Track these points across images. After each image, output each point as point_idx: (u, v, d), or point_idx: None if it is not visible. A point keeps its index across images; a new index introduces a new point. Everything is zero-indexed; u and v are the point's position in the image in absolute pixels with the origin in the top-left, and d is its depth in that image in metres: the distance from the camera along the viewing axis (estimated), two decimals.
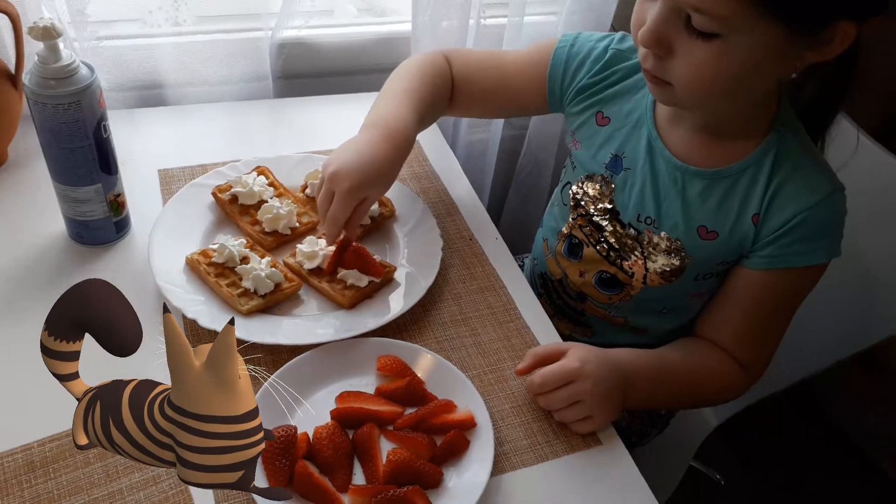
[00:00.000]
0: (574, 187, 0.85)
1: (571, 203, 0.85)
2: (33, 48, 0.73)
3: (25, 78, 0.71)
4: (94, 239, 0.82)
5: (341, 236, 0.79)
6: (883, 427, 1.56)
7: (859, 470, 1.57)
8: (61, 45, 0.70)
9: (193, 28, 1.09)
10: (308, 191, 0.90)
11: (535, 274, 0.95)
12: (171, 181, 0.93)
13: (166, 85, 1.06)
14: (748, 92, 0.69)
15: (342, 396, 0.69)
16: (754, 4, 0.59)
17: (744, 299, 0.77)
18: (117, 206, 0.81)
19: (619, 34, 0.85)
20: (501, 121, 1.23)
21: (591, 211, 0.83)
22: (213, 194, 0.87)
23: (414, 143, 0.82)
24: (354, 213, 0.76)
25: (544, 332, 0.80)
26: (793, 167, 0.73)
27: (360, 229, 0.86)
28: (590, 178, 0.83)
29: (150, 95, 1.07)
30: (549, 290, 0.93)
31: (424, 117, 0.85)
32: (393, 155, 0.77)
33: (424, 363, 0.73)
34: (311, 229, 0.87)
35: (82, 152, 0.74)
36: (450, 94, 0.90)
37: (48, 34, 0.68)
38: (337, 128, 1.05)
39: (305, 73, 1.15)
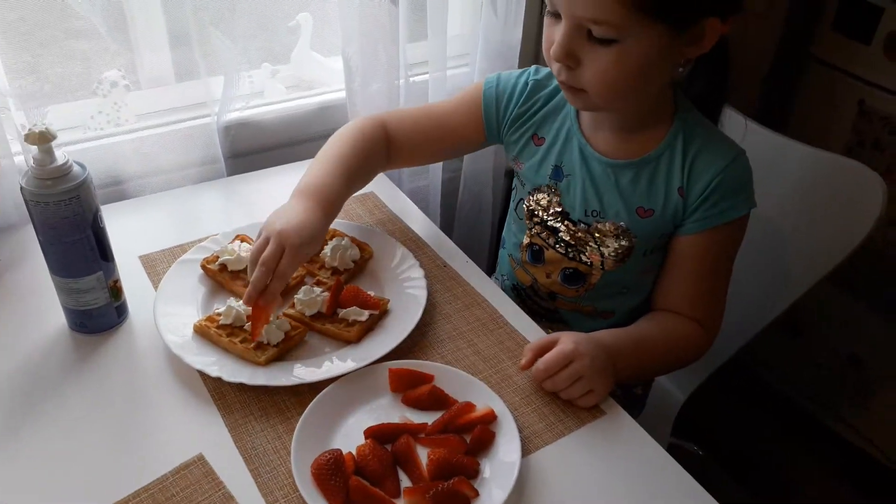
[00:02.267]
0: (526, 202, 0.96)
1: (526, 216, 0.96)
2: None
3: (21, 181, 0.76)
4: (98, 326, 0.85)
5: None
6: (819, 388, 1.72)
7: (801, 425, 1.72)
8: (54, 147, 0.75)
9: (141, 124, 1.15)
10: None
11: (506, 289, 1.04)
12: (154, 264, 0.97)
13: (126, 179, 1.11)
14: (647, 86, 0.83)
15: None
16: (640, 11, 0.73)
17: (686, 263, 0.89)
18: (116, 291, 0.85)
19: (532, 68, 0.98)
20: (440, 167, 1.34)
21: (545, 217, 0.94)
22: (203, 266, 0.92)
23: (342, 205, 0.92)
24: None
25: (531, 332, 0.89)
26: (700, 142, 0.87)
27: (345, 274, 0.94)
28: (538, 189, 0.95)
29: (112, 193, 1.11)
30: (522, 297, 1.02)
31: (354, 180, 0.94)
32: (324, 219, 0.87)
33: (438, 375, 0.80)
34: (300, 282, 0.94)
35: (82, 244, 0.79)
36: (385, 152, 0.99)
37: (44, 138, 0.73)
38: (285, 195, 1.12)
39: (253, 150, 1.23)
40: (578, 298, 0.97)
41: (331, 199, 0.89)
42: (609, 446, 0.76)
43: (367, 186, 1.04)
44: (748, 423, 1.74)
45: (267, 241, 0.82)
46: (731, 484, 1.56)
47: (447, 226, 1.46)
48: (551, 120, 0.94)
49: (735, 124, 0.97)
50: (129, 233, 1.02)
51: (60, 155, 0.76)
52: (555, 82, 0.93)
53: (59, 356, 0.84)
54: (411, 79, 1.24)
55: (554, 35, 0.79)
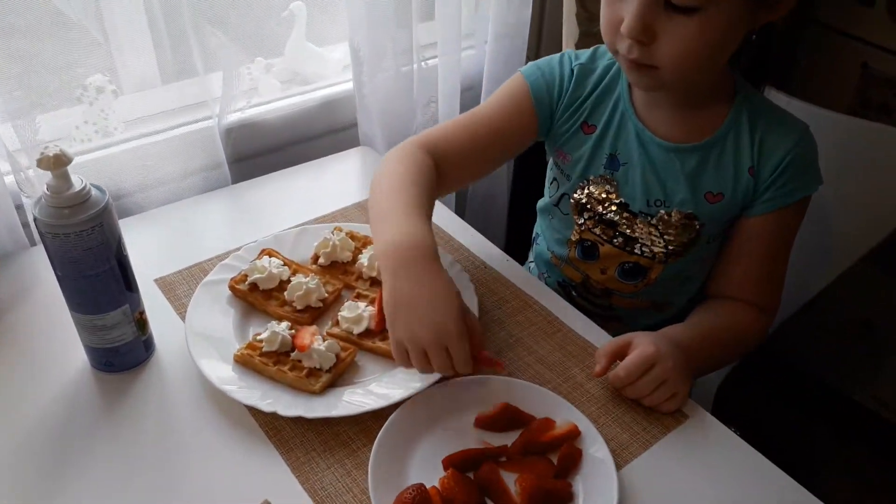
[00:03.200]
0: (575, 195, 0.90)
1: (574, 210, 0.90)
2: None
3: (34, 211, 0.67)
4: (126, 364, 0.77)
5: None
6: (834, 355, 1.72)
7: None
8: (70, 172, 0.66)
9: (136, 132, 1.06)
10: (321, 260, 0.89)
11: (548, 286, 0.99)
12: (172, 287, 0.89)
13: (126, 194, 1.02)
14: (722, 58, 0.77)
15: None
16: None
17: (751, 246, 0.85)
18: (143, 323, 0.77)
19: (569, 52, 0.91)
20: None
21: (600, 211, 0.88)
22: (231, 287, 0.85)
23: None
24: None
25: (592, 333, 0.84)
26: (767, 118, 0.82)
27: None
28: (591, 181, 0.88)
29: None
30: (571, 296, 0.97)
31: (430, 217, 0.80)
32: (443, 275, 0.72)
33: (508, 390, 0.74)
34: (337, 297, 0.87)
35: (106, 276, 0.70)
36: (437, 181, 0.85)
37: (60, 162, 0.64)
38: (297, 200, 1.05)
39: (257, 153, 1.14)
40: (636, 294, 0.92)
41: (429, 251, 0.72)
42: (700, 451, 0.72)
43: None
44: (766, 396, 1.73)
45: (420, 355, 0.69)
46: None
47: (459, 215, 1.40)
48: (602, 105, 0.87)
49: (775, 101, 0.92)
50: (139, 254, 0.91)
51: (77, 180, 0.67)
52: (601, 65, 0.87)
53: (86, 401, 0.75)
54: (423, 63, 1.16)
55: (620, 11, 0.73)
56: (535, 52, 1.36)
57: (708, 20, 0.70)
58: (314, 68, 1.25)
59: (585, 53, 0.89)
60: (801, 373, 1.74)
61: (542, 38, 1.38)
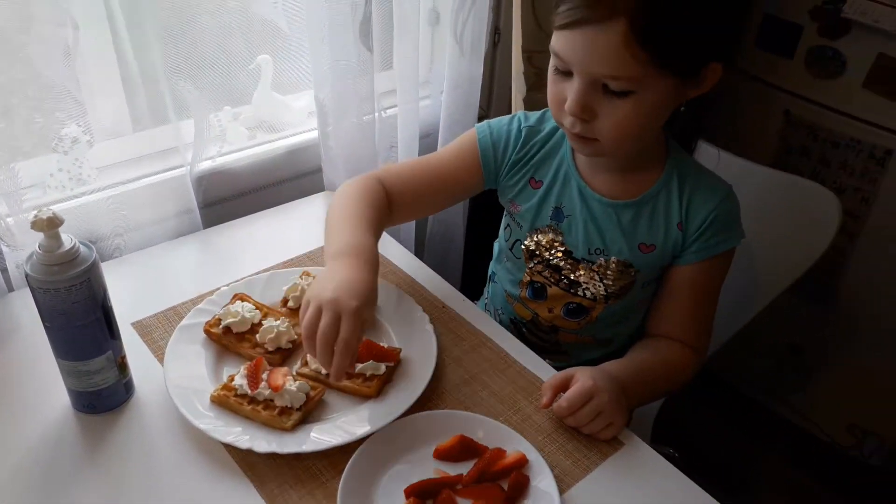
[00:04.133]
0: (525, 242, 0.99)
1: (525, 256, 1.00)
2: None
3: (26, 267, 0.72)
4: (107, 405, 0.82)
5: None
6: (764, 377, 1.85)
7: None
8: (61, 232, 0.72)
9: (111, 181, 1.11)
10: (290, 303, 0.96)
11: (503, 323, 1.08)
12: (149, 330, 0.94)
13: (100, 239, 1.07)
14: (654, 129, 0.88)
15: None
16: (655, 64, 0.78)
17: (682, 291, 0.95)
18: (124, 366, 0.83)
19: (520, 114, 1.02)
20: None
21: (547, 257, 0.97)
22: (206, 331, 0.91)
23: (379, 261, 0.86)
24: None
25: (540, 368, 0.93)
26: (694, 179, 0.93)
27: None
28: (539, 231, 0.98)
29: None
30: (521, 332, 1.06)
31: (377, 235, 0.91)
32: (371, 275, 0.82)
33: (464, 423, 0.82)
34: None
35: (93, 326, 0.76)
36: (388, 208, 0.97)
37: (52, 224, 0.70)
38: (266, 244, 1.12)
39: (226, 198, 1.21)
40: (580, 330, 1.01)
41: (369, 253, 0.84)
42: (634, 476, 0.80)
43: None
44: (704, 414, 1.84)
45: (318, 312, 0.75)
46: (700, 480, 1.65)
47: (417, 255, 1.47)
48: (548, 163, 0.97)
49: (706, 154, 1.03)
50: (116, 298, 0.95)
51: (66, 238, 0.73)
52: (546, 127, 0.97)
53: (69, 442, 0.80)
54: (383, 112, 1.25)
55: (564, 91, 0.83)
56: (487, 102, 1.46)
57: (640, 101, 0.80)
58: (279, 116, 1.33)
59: (535, 116, 1.00)
60: (736, 391, 1.87)
61: (493, 91, 1.48)
